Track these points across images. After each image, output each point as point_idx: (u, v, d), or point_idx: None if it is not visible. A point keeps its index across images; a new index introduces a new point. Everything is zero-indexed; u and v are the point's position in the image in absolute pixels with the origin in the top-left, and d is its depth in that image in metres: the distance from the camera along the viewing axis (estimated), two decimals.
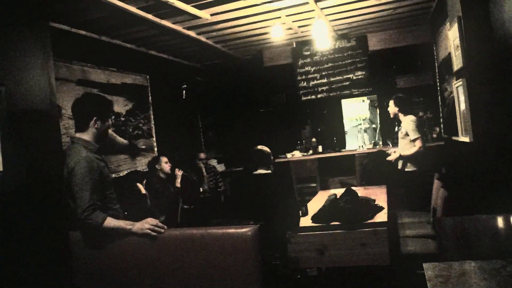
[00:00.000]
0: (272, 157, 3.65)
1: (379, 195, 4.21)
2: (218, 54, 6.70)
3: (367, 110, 8.13)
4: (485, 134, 3.19)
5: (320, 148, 6.80)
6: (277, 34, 4.70)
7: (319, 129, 7.10)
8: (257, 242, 2.25)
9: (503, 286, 1.77)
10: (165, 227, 2.40)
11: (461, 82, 3.38)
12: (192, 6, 4.23)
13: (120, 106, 5.20)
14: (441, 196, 3.55)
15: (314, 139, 6.84)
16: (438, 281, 1.93)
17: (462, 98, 3.51)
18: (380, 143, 6.79)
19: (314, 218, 3.54)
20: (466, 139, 3.44)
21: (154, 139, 5.89)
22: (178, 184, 5.29)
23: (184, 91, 6.85)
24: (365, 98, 7.64)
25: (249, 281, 2.21)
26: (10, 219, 2.21)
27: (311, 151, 6.82)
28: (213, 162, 7.20)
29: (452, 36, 3.53)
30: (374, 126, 7.72)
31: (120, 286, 2.42)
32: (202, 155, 6.30)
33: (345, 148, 6.74)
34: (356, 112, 8.08)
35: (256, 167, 3.55)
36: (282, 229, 3.24)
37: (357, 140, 7.25)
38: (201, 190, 6.32)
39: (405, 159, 4.83)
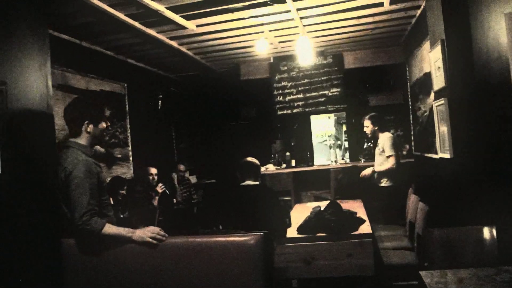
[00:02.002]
0: (260, 169, 3.68)
1: (356, 208, 4.32)
2: (195, 65, 6.72)
3: (332, 126, 8.37)
4: (465, 151, 3.36)
5: (293, 162, 6.89)
6: (261, 48, 4.78)
7: (292, 144, 7.21)
8: (260, 251, 2.26)
9: None
10: (167, 235, 2.37)
11: (442, 101, 3.55)
12: (180, 16, 4.24)
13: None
14: (420, 210, 3.71)
15: (288, 153, 6.92)
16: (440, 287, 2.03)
17: (442, 116, 3.69)
18: (346, 159, 6.95)
19: (300, 229, 3.59)
20: (445, 155, 3.61)
21: (130, 148, 5.79)
22: (155, 202, 5.25)
23: (159, 101, 6.79)
24: (331, 115, 7.86)
25: None
26: (7, 225, 2.12)
27: (284, 165, 6.89)
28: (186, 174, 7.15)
29: (434, 57, 3.72)
30: (339, 142, 7.95)
31: None
32: (182, 167, 6.26)
33: (313, 163, 6.86)
34: (322, 128, 8.30)
35: (244, 178, 3.57)
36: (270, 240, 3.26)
37: (324, 156, 7.46)
38: (175, 201, 6.26)
39: (380, 174, 5.00)
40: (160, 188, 5.26)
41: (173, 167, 6.53)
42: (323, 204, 4.21)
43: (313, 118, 7.36)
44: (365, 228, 3.58)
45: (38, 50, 2.48)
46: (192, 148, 7.88)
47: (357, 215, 3.86)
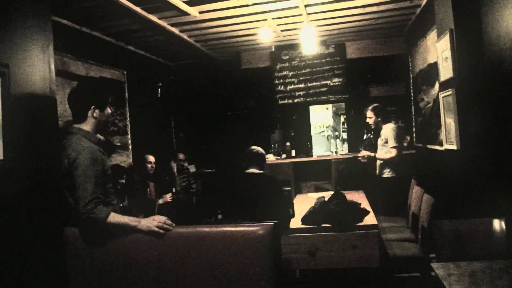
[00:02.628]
0: (265, 158, 3.63)
1: (359, 199, 4.29)
2: (195, 53, 6.62)
3: (330, 117, 8.33)
4: (472, 142, 3.32)
5: (293, 152, 6.84)
6: (265, 36, 4.70)
7: (292, 134, 7.16)
8: (269, 241, 2.21)
9: None
10: (173, 224, 2.32)
11: (449, 92, 3.51)
12: (183, 1, 4.15)
13: None
14: (425, 202, 3.68)
15: (288, 143, 6.88)
16: (453, 280, 1.99)
17: (448, 107, 3.64)
18: (343, 150, 6.90)
19: (304, 220, 3.56)
20: (452, 147, 3.57)
21: (129, 136, 5.71)
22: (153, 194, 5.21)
23: (159, 89, 6.70)
24: (329, 106, 7.81)
25: (262, 282, 2.17)
26: (9, 214, 2.05)
27: (284, 155, 6.85)
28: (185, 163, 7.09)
29: (441, 47, 3.66)
30: (337, 133, 7.92)
31: (122, 286, 2.30)
32: (181, 156, 6.20)
33: (312, 153, 6.82)
34: (320, 119, 8.26)
35: (248, 166, 3.52)
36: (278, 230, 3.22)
37: (322, 146, 7.42)
38: (174, 191, 6.20)
39: (382, 164, 4.97)
40: (169, 197, 5.22)
41: (172, 156, 6.47)
42: (325, 195, 4.18)
43: (311, 109, 7.31)
44: (370, 219, 3.55)
45: (41, 33, 2.40)
46: (191, 137, 7.81)
47: (361, 206, 3.83)
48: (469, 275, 2.05)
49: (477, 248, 2.67)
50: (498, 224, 2.64)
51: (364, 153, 5.24)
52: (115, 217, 2.27)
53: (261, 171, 3.52)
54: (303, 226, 3.50)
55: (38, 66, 2.35)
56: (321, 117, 8.26)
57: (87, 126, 2.45)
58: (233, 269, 2.19)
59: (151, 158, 5.35)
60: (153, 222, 2.29)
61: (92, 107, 2.43)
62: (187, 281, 2.23)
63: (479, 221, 2.70)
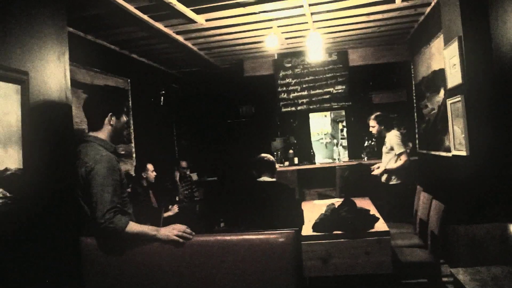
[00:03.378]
0: (276, 166, 3.63)
1: (366, 206, 4.28)
2: (198, 61, 6.63)
3: (329, 125, 8.37)
4: (482, 148, 3.34)
5: (296, 160, 6.85)
6: (271, 44, 4.72)
7: (295, 141, 7.17)
8: (291, 248, 2.20)
9: None
10: (193, 233, 2.29)
11: (458, 99, 3.53)
12: (190, 9, 4.16)
13: None
14: (434, 208, 3.68)
15: (291, 151, 6.88)
16: (476, 285, 1.99)
17: (456, 114, 3.66)
18: (343, 157, 6.91)
19: (315, 227, 3.54)
20: (461, 153, 3.58)
21: (133, 144, 5.70)
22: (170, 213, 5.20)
23: (162, 98, 6.70)
24: (327, 113, 7.85)
25: None
26: (28, 223, 2.03)
27: (287, 163, 6.85)
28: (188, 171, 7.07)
29: (448, 54, 3.69)
30: (335, 140, 7.95)
31: None
32: (184, 164, 6.18)
33: (315, 161, 6.83)
34: (318, 126, 8.29)
35: (260, 174, 3.51)
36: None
37: (321, 153, 7.43)
38: (177, 199, 6.18)
39: (390, 172, 4.98)
40: (176, 208, 5.20)
41: (174, 164, 6.45)
42: (333, 201, 4.18)
43: (311, 116, 7.33)
44: (381, 225, 3.54)
45: (57, 42, 2.40)
46: (193, 145, 7.81)
47: (370, 213, 3.83)
48: (492, 279, 2.05)
49: (493, 253, 2.68)
50: None
51: (380, 170, 5.14)
52: (133, 226, 2.25)
53: (274, 179, 3.51)
54: (315, 233, 3.49)
55: (55, 74, 2.35)
56: (319, 124, 8.30)
57: (103, 134, 2.43)
58: (255, 277, 2.17)
59: (150, 167, 5.30)
60: (173, 231, 2.26)
61: (109, 114, 2.41)
62: None
63: (494, 226, 2.71)
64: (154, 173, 5.27)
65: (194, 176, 7.33)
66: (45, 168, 2.16)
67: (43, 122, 2.17)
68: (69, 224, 2.36)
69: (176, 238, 2.25)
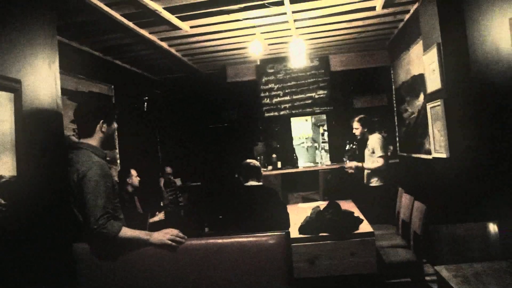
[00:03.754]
0: (261, 170, 3.69)
1: (349, 208, 4.38)
2: (181, 67, 6.67)
3: (310, 129, 8.48)
4: (461, 150, 3.48)
5: (279, 164, 6.93)
6: (254, 50, 4.80)
7: (278, 145, 7.25)
8: (281, 250, 2.26)
9: None
10: (186, 237, 2.34)
11: (438, 103, 3.66)
12: (175, 16, 4.21)
13: None
14: (416, 209, 3.80)
15: (274, 155, 6.96)
16: (460, 281, 2.09)
17: (436, 117, 3.80)
18: (325, 161, 7.02)
19: (301, 230, 3.63)
20: (441, 155, 3.72)
21: (117, 150, 5.68)
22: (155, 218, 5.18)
23: (145, 104, 6.70)
24: (308, 117, 7.96)
25: None
26: (23, 230, 2.04)
27: (270, 167, 6.92)
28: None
29: (428, 60, 3.83)
30: (316, 144, 8.07)
31: None
32: (169, 170, 6.19)
33: (298, 165, 6.93)
34: (300, 130, 8.40)
35: (247, 179, 3.57)
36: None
37: (303, 157, 7.52)
38: (162, 205, 6.19)
39: (369, 173, 5.10)
40: (162, 215, 5.19)
41: (158, 170, 6.44)
42: (315, 205, 4.27)
43: (292, 121, 7.44)
44: (365, 227, 3.65)
45: (48, 48, 2.42)
46: (176, 150, 7.81)
47: (354, 215, 3.93)
48: (473, 275, 2.15)
49: (474, 250, 2.79)
50: (492, 227, 2.78)
51: (352, 163, 5.36)
52: (126, 231, 2.28)
53: (260, 183, 3.57)
54: (301, 236, 3.56)
55: (46, 82, 2.36)
56: (301, 128, 8.41)
57: (94, 141, 2.46)
58: (247, 278, 2.23)
59: (134, 172, 5.30)
60: (166, 235, 2.30)
61: (101, 121, 2.45)
62: None
63: (474, 225, 2.83)
64: (138, 178, 5.26)
65: (178, 182, 7.34)
66: (38, 174, 2.17)
67: (35, 130, 2.18)
68: (62, 230, 2.36)
69: (169, 242, 2.29)
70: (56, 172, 2.34)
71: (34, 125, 2.18)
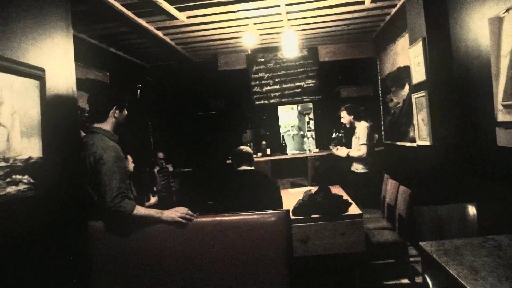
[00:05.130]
0: (253, 156, 3.89)
1: (338, 193, 4.63)
2: (173, 55, 6.79)
3: (295, 117, 8.71)
4: (443, 138, 3.75)
5: (268, 151, 7.15)
6: (248, 41, 4.97)
7: (267, 133, 7.47)
8: (282, 227, 2.48)
9: (492, 252, 2.26)
10: (195, 215, 2.53)
11: (422, 94, 3.92)
12: (174, 7, 4.35)
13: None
14: (402, 193, 4.07)
15: (264, 142, 7.17)
16: (442, 253, 2.35)
17: (420, 107, 4.06)
18: (313, 148, 7.25)
19: (294, 211, 3.86)
20: (425, 142, 3.99)
21: None
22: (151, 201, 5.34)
23: (138, 91, 6.81)
24: (294, 106, 8.18)
25: (277, 263, 2.43)
26: (48, 209, 2.22)
27: (259, 154, 7.13)
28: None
29: (413, 53, 4.08)
30: (302, 133, 8.31)
31: (147, 275, 2.48)
32: (161, 155, 6.34)
33: (286, 152, 7.16)
34: (286, 119, 8.62)
35: (239, 164, 3.76)
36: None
37: (290, 145, 7.76)
38: (155, 190, 6.35)
39: (353, 160, 5.35)
40: (154, 200, 5.35)
41: (151, 156, 6.59)
42: (307, 189, 4.51)
43: (279, 109, 7.65)
44: (354, 209, 3.90)
45: (65, 38, 2.58)
46: (168, 137, 7.96)
47: (344, 198, 4.18)
48: (453, 249, 2.42)
49: (453, 229, 3.08)
50: (470, 208, 3.06)
51: (343, 149, 5.54)
52: (140, 210, 2.46)
53: (252, 168, 3.78)
54: (294, 217, 3.80)
55: (63, 68, 2.52)
56: (287, 117, 8.63)
57: (107, 125, 2.64)
58: (250, 252, 2.44)
59: (130, 158, 5.45)
60: (176, 213, 2.49)
61: (114, 107, 2.62)
62: (209, 266, 2.44)
63: (454, 206, 3.11)
64: (133, 164, 5.41)
65: (170, 167, 7.51)
66: (60, 156, 2.34)
67: (57, 114, 2.35)
68: (79, 208, 2.54)
69: (180, 219, 2.47)
70: (73, 154, 2.51)
71: (56, 110, 2.34)
